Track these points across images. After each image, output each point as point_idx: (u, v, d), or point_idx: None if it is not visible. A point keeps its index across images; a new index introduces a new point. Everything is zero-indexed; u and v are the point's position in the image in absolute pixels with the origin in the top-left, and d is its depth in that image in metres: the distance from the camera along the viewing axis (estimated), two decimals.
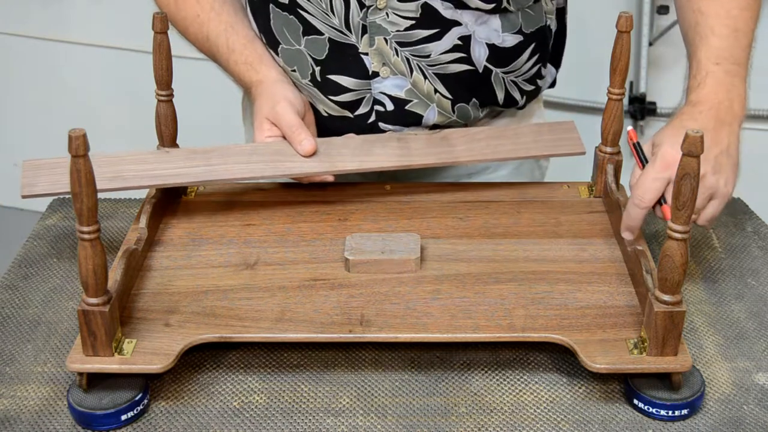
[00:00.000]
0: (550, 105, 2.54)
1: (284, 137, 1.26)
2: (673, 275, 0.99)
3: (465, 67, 1.29)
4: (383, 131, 1.32)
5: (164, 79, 1.25)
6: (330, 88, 1.31)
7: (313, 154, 1.24)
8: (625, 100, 2.28)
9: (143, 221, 1.18)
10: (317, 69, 1.30)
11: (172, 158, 1.23)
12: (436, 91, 1.30)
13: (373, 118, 1.32)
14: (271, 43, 1.32)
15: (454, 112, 1.32)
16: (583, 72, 2.47)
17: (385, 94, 1.30)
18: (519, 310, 1.08)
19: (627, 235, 1.14)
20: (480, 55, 1.29)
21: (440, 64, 1.28)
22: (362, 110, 1.31)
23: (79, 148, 0.93)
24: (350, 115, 1.32)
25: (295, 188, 1.32)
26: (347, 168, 1.26)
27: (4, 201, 2.94)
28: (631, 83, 2.45)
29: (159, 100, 1.26)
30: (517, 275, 1.14)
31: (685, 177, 0.95)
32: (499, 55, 1.30)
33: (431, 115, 1.31)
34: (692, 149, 0.94)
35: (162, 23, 1.22)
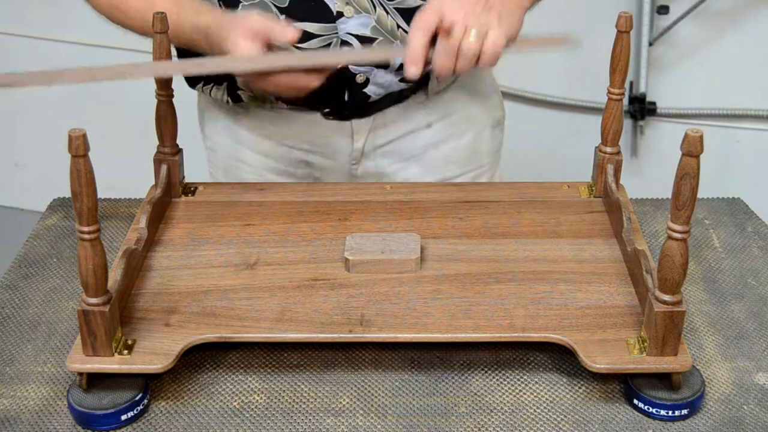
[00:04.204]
0: (550, 105, 2.55)
1: (265, 44, 1.21)
2: (673, 275, 0.99)
3: (420, 1, 1.29)
4: (354, 74, 1.31)
5: (164, 79, 1.25)
6: None
7: (297, 41, 1.22)
8: (625, 100, 2.28)
9: (143, 221, 1.18)
10: (281, 18, 1.29)
11: (173, 63, 1.25)
12: (398, 26, 1.30)
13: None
14: (233, 2, 1.30)
15: None
16: (582, 72, 2.47)
17: (351, 34, 1.30)
18: (519, 310, 1.08)
19: (413, 71, 1.16)
20: None
21: None
22: None
23: (79, 148, 0.93)
24: None
25: (295, 188, 1.32)
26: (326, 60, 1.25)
27: (4, 201, 2.94)
28: (631, 83, 2.45)
29: (159, 100, 1.26)
30: (517, 275, 1.14)
31: (685, 177, 0.95)
32: None
33: None
34: (692, 149, 0.94)
35: (162, 23, 1.21)
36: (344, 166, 1.42)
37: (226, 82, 1.37)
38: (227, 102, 1.38)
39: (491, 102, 1.49)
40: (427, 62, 1.18)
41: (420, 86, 1.39)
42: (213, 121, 1.46)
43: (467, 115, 1.45)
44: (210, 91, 1.39)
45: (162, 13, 1.23)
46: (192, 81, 1.40)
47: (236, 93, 1.37)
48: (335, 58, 1.27)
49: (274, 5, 1.28)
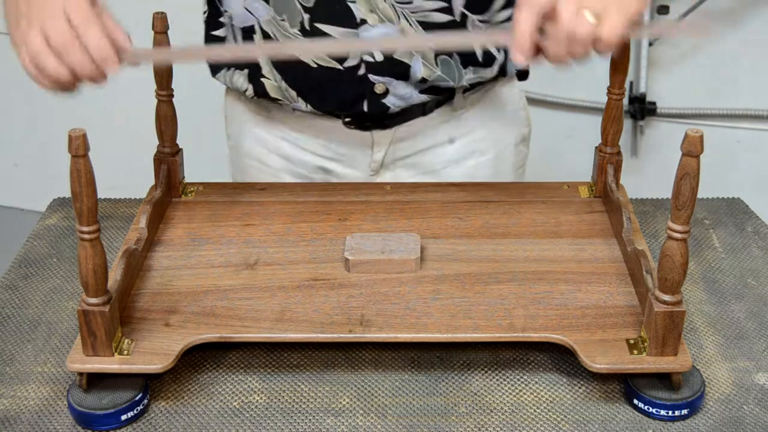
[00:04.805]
0: (551, 105, 2.54)
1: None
2: (673, 275, 0.99)
3: (446, 17, 1.28)
4: (373, 84, 1.30)
5: (164, 79, 1.25)
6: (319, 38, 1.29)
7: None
8: (625, 100, 2.28)
9: (143, 221, 1.18)
10: (306, 17, 1.28)
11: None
12: None
13: (363, 70, 1.30)
14: None
15: (437, 65, 1.31)
16: (583, 72, 2.47)
17: None
18: (519, 310, 1.08)
19: (520, 59, 1.07)
20: (458, 0, 1.28)
21: (422, 11, 1.27)
22: (351, 62, 1.30)
23: (79, 148, 0.93)
24: (339, 67, 1.30)
25: (295, 188, 1.32)
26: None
27: (4, 201, 2.94)
28: (631, 83, 2.45)
29: (159, 100, 1.26)
30: (517, 275, 1.14)
31: (685, 177, 0.95)
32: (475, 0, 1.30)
33: (417, 67, 1.30)
34: (692, 149, 0.94)
35: (162, 23, 1.22)
36: (362, 176, 1.41)
37: (248, 69, 1.35)
38: (246, 91, 1.36)
39: (518, 119, 1.47)
40: (537, 50, 1.07)
41: (444, 101, 1.38)
42: (236, 120, 1.45)
43: (492, 131, 1.43)
44: (231, 78, 1.37)
45: (162, 13, 1.23)
46: (214, 68, 1.39)
47: (259, 81, 1.34)
48: (415, 41, 1.27)
49: (299, 3, 1.28)
